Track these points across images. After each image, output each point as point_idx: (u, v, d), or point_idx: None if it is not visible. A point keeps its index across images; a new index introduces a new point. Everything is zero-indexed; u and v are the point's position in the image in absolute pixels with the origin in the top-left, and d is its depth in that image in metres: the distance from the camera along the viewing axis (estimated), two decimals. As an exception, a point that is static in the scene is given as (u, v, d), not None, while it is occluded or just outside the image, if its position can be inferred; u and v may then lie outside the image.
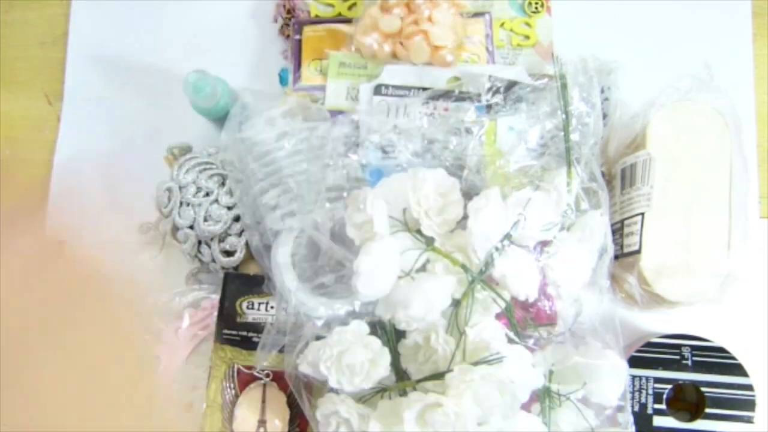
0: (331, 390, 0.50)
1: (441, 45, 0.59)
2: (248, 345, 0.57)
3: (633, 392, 0.55)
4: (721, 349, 0.55)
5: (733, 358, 0.55)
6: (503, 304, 0.50)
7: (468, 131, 0.56)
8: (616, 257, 0.55)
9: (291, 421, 0.56)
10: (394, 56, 0.60)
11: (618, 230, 0.56)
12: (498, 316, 0.51)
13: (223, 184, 0.59)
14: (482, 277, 0.50)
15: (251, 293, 0.58)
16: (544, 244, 0.52)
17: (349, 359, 0.47)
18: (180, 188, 0.59)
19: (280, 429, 0.56)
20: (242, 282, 0.59)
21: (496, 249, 0.50)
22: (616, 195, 0.57)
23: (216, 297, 0.59)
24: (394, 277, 0.49)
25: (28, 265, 0.67)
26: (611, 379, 0.50)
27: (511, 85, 0.57)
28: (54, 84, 0.69)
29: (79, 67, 0.69)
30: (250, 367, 0.56)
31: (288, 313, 0.53)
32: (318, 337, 0.50)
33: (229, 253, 0.59)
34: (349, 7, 0.64)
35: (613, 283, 0.57)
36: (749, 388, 0.54)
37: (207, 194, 0.59)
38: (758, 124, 0.61)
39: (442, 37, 0.58)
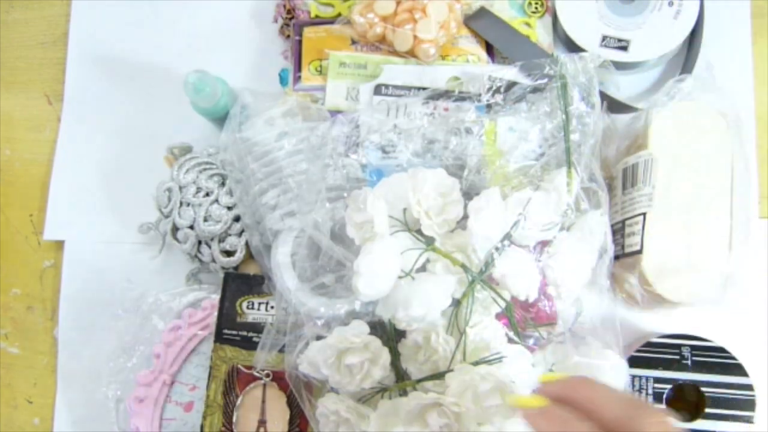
0: (331, 390, 0.50)
1: (424, 38, 0.59)
2: (248, 345, 0.57)
3: (633, 392, 0.55)
4: (721, 349, 0.55)
5: (733, 358, 0.55)
6: (503, 304, 0.50)
7: (468, 131, 0.56)
8: (617, 257, 0.55)
9: (291, 421, 0.56)
10: (383, 40, 0.61)
11: (619, 230, 0.56)
12: (498, 316, 0.51)
13: (223, 184, 0.59)
14: (482, 277, 0.50)
15: (251, 293, 0.58)
16: (544, 244, 0.52)
17: (349, 359, 0.47)
18: (180, 188, 0.59)
19: (280, 429, 0.56)
20: (242, 282, 0.59)
21: (496, 249, 0.50)
22: (617, 195, 0.57)
23: (216, 297, 0.59)
24: (394, 277, 0.49)
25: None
26: (611, 379, 0.50)
27: (511, 85, 0.57)
28: (54, 84, 0.69)
29: (79, 67, 0.68)
30: (250, 367, 0.56)
31: (288, 313, 0.53)
32: (318, 337, 0.50)
33: (229, 253, 0.59)
34: (350, 7, 0.64)
35: (614, 283, 0.57)
36: (749, 388, 0.54)
37: (207, 194, 0.59)
38: (758, 124, 0.61)
39: (427, 30, 0.58)
